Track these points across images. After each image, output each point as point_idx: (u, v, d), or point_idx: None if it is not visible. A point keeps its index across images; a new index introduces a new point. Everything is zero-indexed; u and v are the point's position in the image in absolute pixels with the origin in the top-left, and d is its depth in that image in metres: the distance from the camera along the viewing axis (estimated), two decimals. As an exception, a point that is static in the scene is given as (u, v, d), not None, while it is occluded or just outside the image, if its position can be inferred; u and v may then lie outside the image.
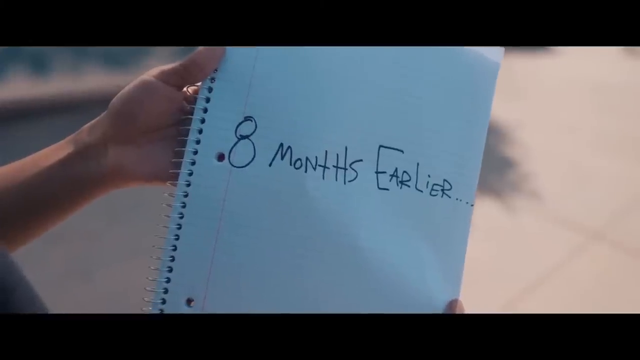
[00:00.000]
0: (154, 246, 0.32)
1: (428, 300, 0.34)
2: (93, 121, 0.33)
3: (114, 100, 0.31)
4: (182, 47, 3.48)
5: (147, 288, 0.31)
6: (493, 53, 0.36)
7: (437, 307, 0.34)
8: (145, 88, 0.31)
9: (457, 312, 0.33)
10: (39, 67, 2.97)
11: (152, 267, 0.31)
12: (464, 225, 0.35)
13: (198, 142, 0.31)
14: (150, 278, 0.31)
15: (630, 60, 6.45)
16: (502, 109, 4.12)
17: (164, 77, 0.31)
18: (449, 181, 0.35)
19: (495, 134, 3.59)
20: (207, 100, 0.31)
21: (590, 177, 2.92)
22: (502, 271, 2.02)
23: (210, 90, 0.31)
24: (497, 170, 2.99)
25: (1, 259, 0.24)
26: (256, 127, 0.31)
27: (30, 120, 2.81)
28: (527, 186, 2.79)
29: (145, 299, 0.31)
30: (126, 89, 0.31)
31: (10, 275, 0.23)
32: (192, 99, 0.32)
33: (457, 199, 0.35)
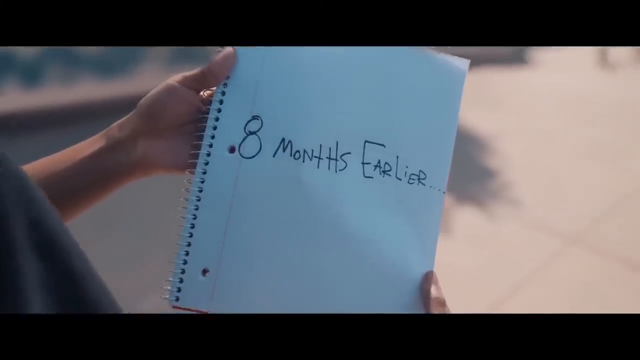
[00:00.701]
0: (176, 229, 0.37)
1: (407, 270, 0.39)
2: (122, 119, 0.38)
3: (142, 101, 0.36)
4: (175, 53, 3.51)
5: (170, 261, 0.36)
6: (460, 62, 0.42)
7: (415, 277, 0.39)
8: (168, 91, 0.36)
9: (432, 281, 0.38)
10: (30, 78, 2.95)
11: (175, 242, 0.36)
12: (437, 208, 0.41)
13: (213, 137, 0.36)
14: (171, 260, 0.36)
15: (603, 71, 6.66)
16: (482, 120, 4.22)
17: (184, 82, 0.36)
18: (424, 171, 0.40)
19: (475, 145, 3.67)
20: (221, 102, 0.37)
21: (568, 184, 3.00)
22: (484, 276, 2.06)
23: (223, 93, 0.37)
24: (477, 179, 3.05)
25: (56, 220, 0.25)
26: (262, 124, 0.37)
27: (22, 132, 2.79)
28: (507, 194, 2.85)
29: (168, 272, 0.35)
30: (153, 91, 0.36)
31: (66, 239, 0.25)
32: (208, 101, 0.37)
33: (430, 187, 0.41)
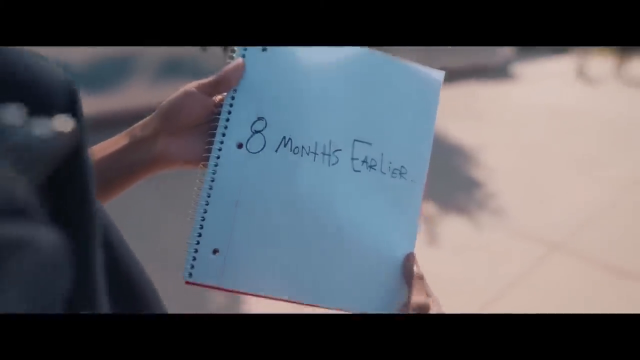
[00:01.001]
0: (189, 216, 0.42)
1: (391, 252, 0.45)
2: (144, 120, 0.42)
3: (163, 104, 0.41)
4: (163, 66, 3.53)
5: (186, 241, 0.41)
6: (437, 73, 0.49)
7: (397, 257, 0.45)
8: (186, 95, 0.41)
9: (413, 261, 0.44)
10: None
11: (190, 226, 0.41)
12: (417, 199, 0.47)
13: (224, 134, 0.42)
14: (187, 241, 0.41)
15: (582, 85, 6.84)
16: (467, 133, 4.31)
17: (200, 88, 0.41)
18: (405, 167, 0.46)
19: (461, 156, 3.75)
20: (231, 105, 0.42)
21: (550, 193, 3.07)
22: (470, 282, 2.10)
23: (233, 98, 0.42)
24: (463, 189, 3.11)
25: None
26: (266, 124, 0.42)
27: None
28: (492, 203, 2.91)
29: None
30: (173, 95, 0.41)
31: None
32: (220, 104, 0.43)
33: (411, 180, 0.47)
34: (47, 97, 0.17)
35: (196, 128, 0.42)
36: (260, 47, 0.43)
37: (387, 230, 0.45)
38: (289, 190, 0.42)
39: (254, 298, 0.42)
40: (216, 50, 3.26)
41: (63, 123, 0.16)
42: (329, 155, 0.43)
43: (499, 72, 7.62)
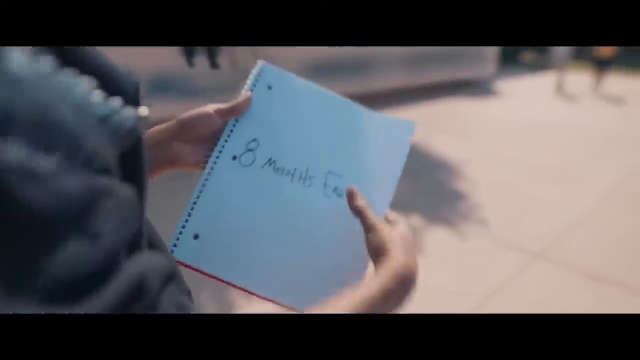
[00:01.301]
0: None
1: (340, 270, 0.49)
2: (162, 125, 0.49)
3: (184, 116, 0.48)
4: (152, 85, 3.59)
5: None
6: (409, 124, 0.57)
7: (347, 276, 0.49)
8: (203, 114, 0.49)
9: (355, 198, 0.47)
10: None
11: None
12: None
13: (223, 146, 0.50)
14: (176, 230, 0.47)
15: (559, 100, 7.06)
16: (451, 148, 4.43)
17: (215, 110, 0.50)
18: (370, 201, 0.51)
19: (446, 170, 3.85)
20: (234, 126, 0.51)
21: (531, 204, 3.18)
22: (455, 290, 2.16)
23: (236, 120, 0.51)
24: (448, 201, 3.20)
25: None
26: (258, 145, 0.51)
27: None
28: (475, 215, 3.00)
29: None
30: (193, 112, 0.49)
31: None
32: (226, 123, 0.51)
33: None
34: (124, 90, 0.24)
35: (204, 139, 0.50)
36: (266, 85, 0.53)
37: (340, 255, 0.50)
38: (267, 199, 0.50)
39: (255, 298, 0.48)
40: (204, 67, 3.34)
41: (140, 111, 0.22)
42: (304, 179, 0.51)
43: (482, 89, 7.84)
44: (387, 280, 0.39)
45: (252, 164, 0.50)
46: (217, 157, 0.50)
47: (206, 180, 0.49)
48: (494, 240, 2.66)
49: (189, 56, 3.97)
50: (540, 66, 11.12)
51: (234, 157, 0.50)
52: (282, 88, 0.54)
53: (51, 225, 0.18)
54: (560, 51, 7.38)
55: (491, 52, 8.48)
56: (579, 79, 9.08)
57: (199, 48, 3.91)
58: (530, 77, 9.70)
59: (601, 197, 3.33)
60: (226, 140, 0.50)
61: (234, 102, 0.51)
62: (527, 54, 12.84)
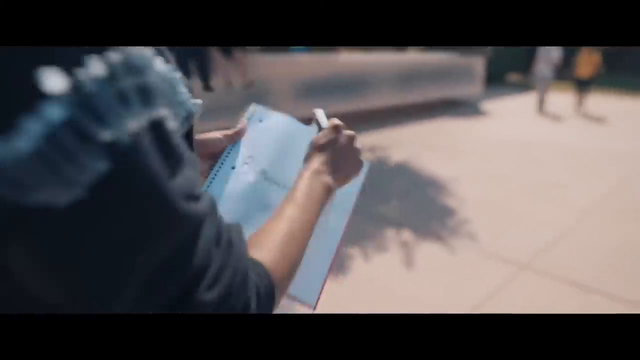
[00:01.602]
0: None
1: (310, 275, 0.60)
2: None
3: (200, 136, 0.60)
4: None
5: None
6: (364, 164, 0.68)
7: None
8: (212, 136, 0.62)
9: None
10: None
11: None
12: (331, 250, 0.65)
13: (225, 159, 0.62)
14: None
15: (543, 120, 7.25)
16: (441, 167, 4.55)
17: (222, 134, 0.63)
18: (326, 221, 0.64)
19: (436, 188, 3.96)
20: (233, 146, 0.64)
21: (517, 218, 3.28)
22: (445, 302, 2.24)
23: (234, 144, 0.64)
24: (438, 217, 3.30)
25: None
26: (253, 160, 0.64)
27: None
28: (464, 229, 3.10)
29: None
30: (207, 133, 0.62)
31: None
32: (227, 145, 0.64)
33: (332, 233, 0.65)
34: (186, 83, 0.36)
35: (210, 154, 0.63)
36: (258, 119, 0.67)
37: (318, 246, 0.59)
38: (261, 202, 0.61)
39: None
40: (197, 89, 3.42)
41: (197, 101, 0.35)
42: (286, 187, 0.63)
43: (470, 108, 8.04)
44: (310, 165, 0.56)
45: (247, 173, 0.63)
46: (220, 167, 0.62)
47: (209, 184, 0.61)
48: (482, 254, 2.75)
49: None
50: (525, 86, 11.42)
51: (233, 167, 0.63)
52: (269, 121, 0.68)
53: (181, 156, 0.31)
54: (543, 71, 7.63)
55: (479, 72, 8.74)
56: (562, 98, 9.35)
57: (193, 70, 4.01)
58: (517, 96, 9.96)
59: (585, 211, 3.45)
60: (227, 156, 0.63)
61: (236, 129, 0.65)
62: (513, 75, 13.20)
